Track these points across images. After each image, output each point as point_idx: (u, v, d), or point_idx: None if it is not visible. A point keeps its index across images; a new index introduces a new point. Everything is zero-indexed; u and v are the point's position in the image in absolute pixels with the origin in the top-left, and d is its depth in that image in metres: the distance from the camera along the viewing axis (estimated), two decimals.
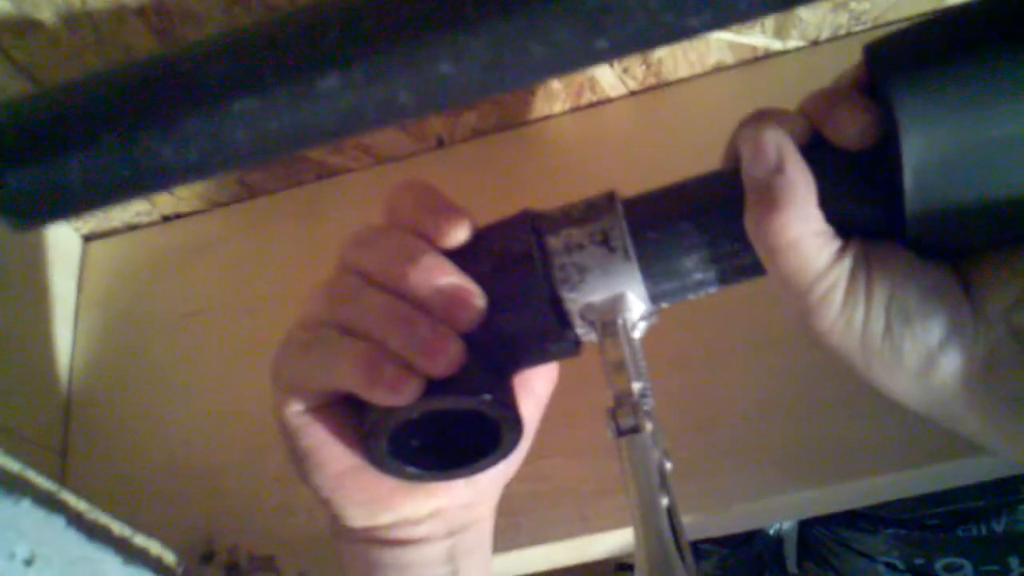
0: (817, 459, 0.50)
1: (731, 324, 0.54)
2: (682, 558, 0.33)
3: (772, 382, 0.52)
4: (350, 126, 0.34)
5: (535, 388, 0.44)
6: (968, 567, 0.75)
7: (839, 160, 0.36)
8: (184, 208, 0.71)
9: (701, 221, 0.38)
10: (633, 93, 0.66)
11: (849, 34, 0.62)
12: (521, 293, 0.39)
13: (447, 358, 0.37)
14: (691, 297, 0.40)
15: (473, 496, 0.45)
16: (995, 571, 0.74)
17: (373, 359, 0.37)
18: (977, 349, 0.34)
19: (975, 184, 0.33)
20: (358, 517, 0.43)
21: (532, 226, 0.40)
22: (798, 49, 0.63)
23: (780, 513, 0.57)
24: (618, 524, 0.51)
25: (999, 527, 0.73)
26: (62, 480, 0.62)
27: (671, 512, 0.34)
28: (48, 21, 0.55)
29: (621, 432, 0.36)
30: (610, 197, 0.40)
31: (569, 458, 0.52)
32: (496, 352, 0.39)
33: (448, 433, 0.41)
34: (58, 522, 0.33)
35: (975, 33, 0.33)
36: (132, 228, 0.72)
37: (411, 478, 0.41)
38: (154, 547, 0.39)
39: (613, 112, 0.66)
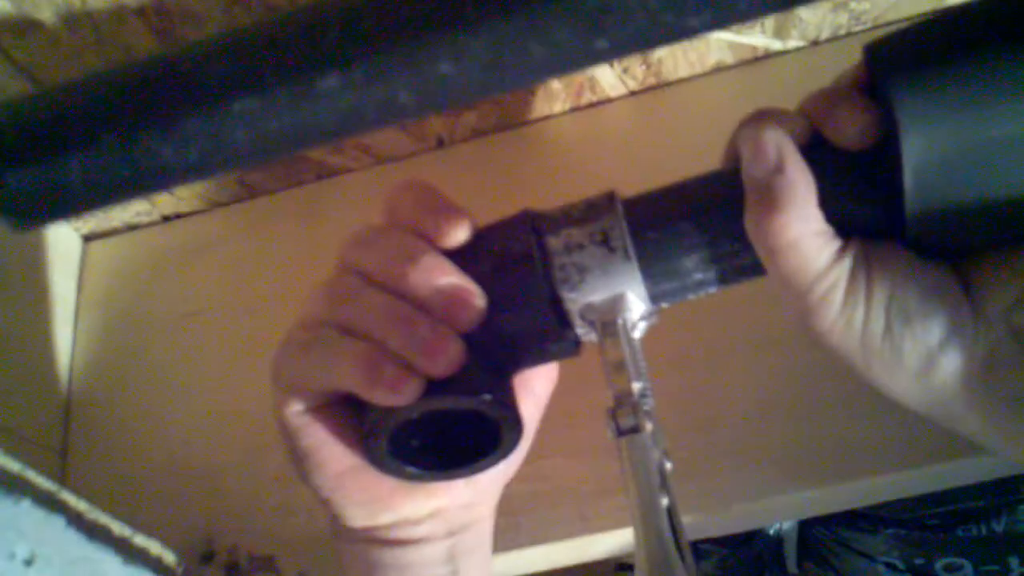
0: (817, 459, 0.50)
1: (731, 324, 0.54)
2: (682, 558, 0.33)
3: (772, 382, 0.52)
4: (350, 126, 0.34)
5: (535, 388, 0.44)
6: (968, 567, 0.75)
7: (839, 160, 0.36)
8: (184, 208, 0.71)
9: (701, 221, 0.38)
10: (633, 93, 0.66)
11: (849, 34, 0.62)
12: (521, 293, 0.39)
13: (447, 358, 0.37)
14: (691, 297, 0.40)
15: (473, 496, 0.45)
16: (995, 571, 0.74)
17: (373, 359, 0.37)
18: (977, 349, 0.34)
19: (975, 184, 0.33)
20: (358, 517, 0.43)
21: (532, 226, 0.40)
22: (798, 49, 0.63)
23: (780, 513, 0.57)
24: (618, 524, 0.51)
25: (999, 527, 0.73)
26: (62, 480, 0.62)
27: (671, 512, 0.34)
28: (48, 21, 0.55)
29: (621, 432, 0.36)
30: (610, 197, 0.40)
31: (569, 458, 0.52)
32: (496, 352, 0.39)
33: (448, 433, 0.41)
34: (58, 522, 0.33)
35: (975, 33, 0.33)
36: (132, 228, 0.72)
37: (411, 478, 0.41)
38: (154, 547, 0.39)
39: (613, 112, 0.66)
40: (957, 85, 0.33)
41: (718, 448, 0.52)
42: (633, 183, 0.61)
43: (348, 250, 0.40)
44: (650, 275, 0.39)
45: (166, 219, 0.72)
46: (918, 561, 0.78)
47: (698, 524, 0.52)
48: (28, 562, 0.31)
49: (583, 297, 0.39)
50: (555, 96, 0.65)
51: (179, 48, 0.35)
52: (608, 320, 0.39)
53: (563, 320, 0.40)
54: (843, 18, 0.61)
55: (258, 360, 0.62)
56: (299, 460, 0.42)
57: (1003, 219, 0.34)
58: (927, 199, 0.34)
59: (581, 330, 0.40)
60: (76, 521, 0.34)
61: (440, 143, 0.68)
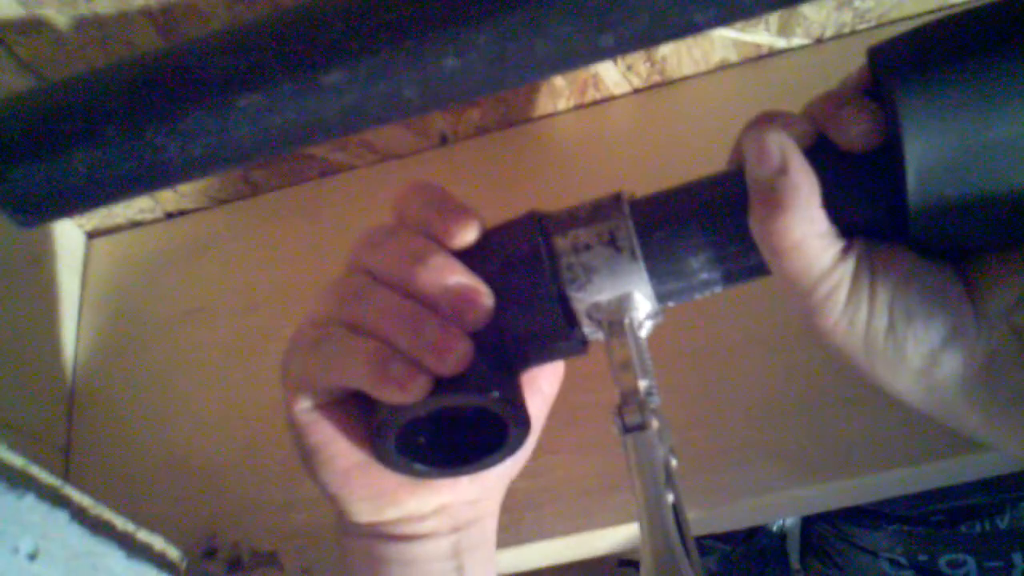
0: (821, 455, 0.50)
1: (737, 322, 0.54)
2: (687, 554, 0.33)
3: (776, 379, 0.52)
4: (354, 121, 0.34)
5: (542, 386, 0.45)
6: (972, 563, 0.75)
7: (843, 162, 0.36)
8: (187, 205, 0.71)
9: (707, 222, 0.39)
10: (637, 91, 0.66)
11: (853, 32, 0.62)
12: (529, 292, 0.39)
13: (456, 356, 0.38)
14: (697, 296, 0.40)
15: (478, 493, 0.45)
16: (999, 567, 0.74)
17: (382, 357, 0.37)
18: (978, 348, 0.35)
19: (977, 186, 0.34)
20: (364, 512, 0.43)
21: (540, 226, 0.40)
22: (802, 47, 0.63)
23: (784, 509, 0.57)
24: (620, 520, 0.51)
25: (1003, 523, 0.73)
26: (65, 476, 0.62)
27: (677, 509, 0.35)
28: (53, 19, 0.55)
29: (627, 429, 0.36)
30: (617, 198, 0.40)
31: (571, 454, 0.53)
32: (504, 350, 0.39)
33: (455, 430, 0.42)
34: (62, 517, 0.34)
35: (978, 36, 0.34)
36: (136, 225, 0.72)
37: (418, 475, 0.41)
38: (157, 543, 0.39)
39: (617, 109, 0.66)
40: (960, 88, 0.33)
41: (722, 444, 0.52)
42: (637, 180, 0.61)
43: (358, 250, 0.41)
44: (656, 275, 0.39)
45: (169, 216, 0.72)
46: (922, 557, 0.78)
47: (702, 520, 0.52)
48: (32, 556, 0.32)
49: (590, 296, 0.39)
50: (559, 93, 0.65)
51: (183, 43, 0.35)
52: (615, 319, 0.39)
53: (570, 319, 0.40)
54: (847, 16, 0.61)
55: (262, 356, 0.63)
56: (307, 456, 0.42)
57: (1004, 221, 0.35)
58: (930, 200, 0.34)
59: (588, 329, 0.40)
60: (80, 516, 0.34)
61: (444, 140, 0.68)
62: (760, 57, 0.64)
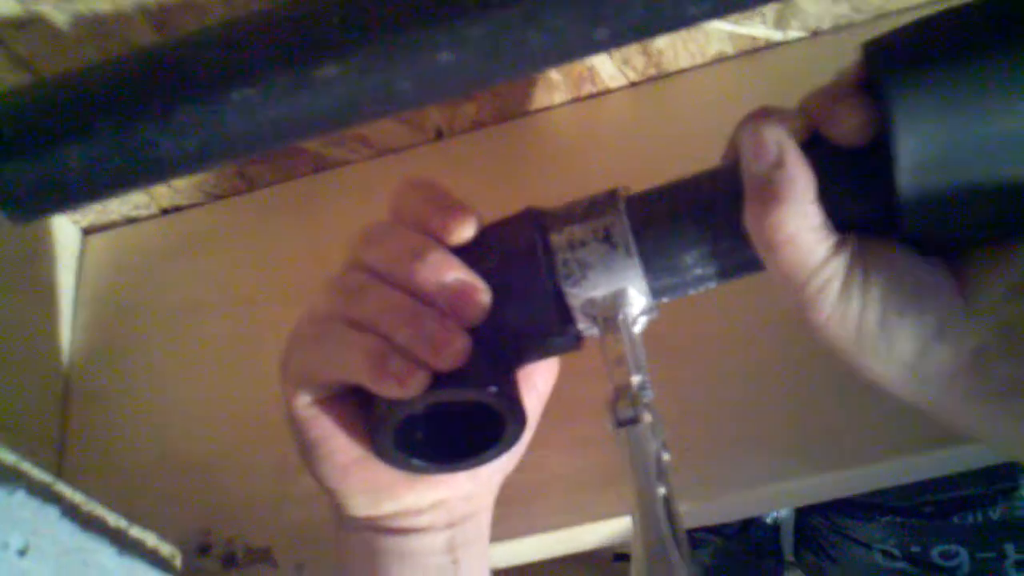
0: (813, 447, 0.50)
1: (729, 313, 0.54)
2: (678, 547, 0.34)
3: (769, 371, 0.52)
4: (348, 115, 0.33)
5: (536, 382, 0.45)
6: (964, 554, 0.76)
7: (836, 157, 0.37)
8: (183, 201, 0.71)
9: (701, 218, 0.39)
10: (633, 84, 0.66)
11: (850, 24, 0.62)
12: (526, 288, 0.40)
13: (453, 352, 0.38)
14: (691, 292, 0.41)
15: (474, 488, 0.46)
16: (991, 558, 0.75)
17: (381, 352, 0.38)
18: (968, 341, 0.35)
19: (967, 181, 0.34)
20: (362, 506, 0.44)
21: (536, 223, 0.41)
22: (799, 39, 0.63)
23: (777, 501, 0.57)
24: (612, 514, 0.51)
25: (995, 514, 0.74)
26: (59, 472, 0.62)
27: (668, 502, 0.35)
28: (50, 15, 0.54)
29: (620, 423, 0.37)
30: (612, 194, 0.41)
31: (564, 448, 0.52)
32: (501, 346, 0.40)
33: (451, 426, 0.42)
34: (52, 513, 0.33)
35: (970, 33, 0.34)
36: (131, 221, 0.72)
37: (416, 470, 0.42)
38: (150, 539, 0.39)
39: (613, 103, 0.66)
40: (951, 84, 0.33)
41: (715, 436, 0.52)
42: (633, 174, 0.61)
43: (356, 246, 0.41)
44: (651, 271, 0.39)
45: (165, 212, 0.71)
46: (914, 548, 0.78)
47: (695, 512, 0.52)
48: (22, 552, 0.31)
49: (585, 292, 0.40)
50: (555, 87, 0.65)
51: (176, 38, 0.35)
52: (609, 315, 0.39)
53: (566, 315, 0.40)
54: (844, 8, 0.61)
55: (257, 352, 0.62)
56: (306, 450, 0.43)
57: (994, 216, 0.35)
58: (921, 195, 0.34)
59: (583, 324, 0.41)
60: (71, 512, 0.34)
61: (439, 135, 0.68)
62: (756, 50, 0.64)
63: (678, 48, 0.63)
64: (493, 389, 0.39)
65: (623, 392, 0.37)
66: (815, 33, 0.63)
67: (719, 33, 0.62)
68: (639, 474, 0.35)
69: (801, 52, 0.63)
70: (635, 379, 0.38)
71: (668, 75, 0.65)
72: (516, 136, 0.66)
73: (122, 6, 0.54)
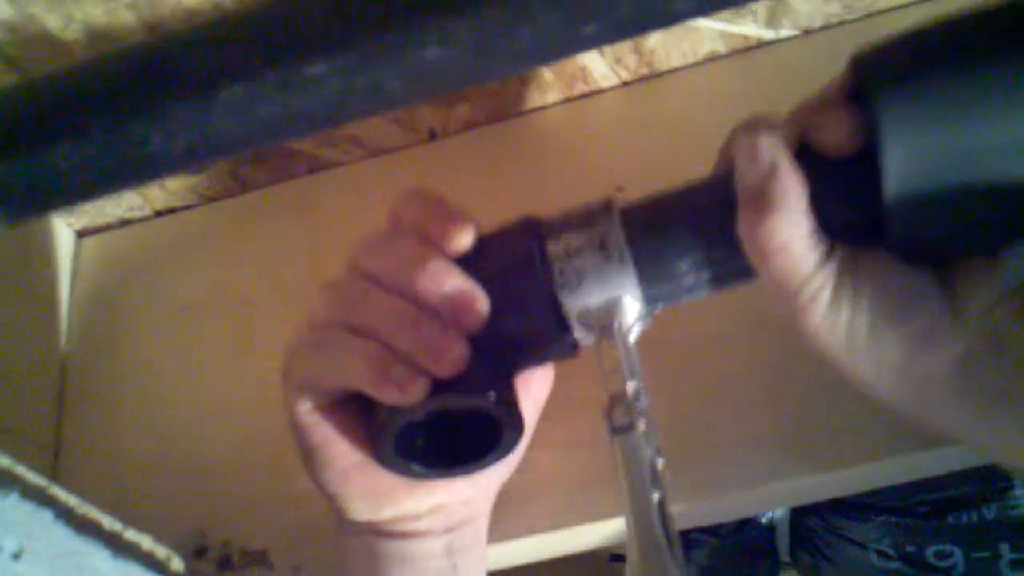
0: (808, 447, 0.50)
1: (722, 314, 0.54)
2: (672, 551, 0.34)
3: (763, 371, 0.53)
4: (338, 113, 0.33)
5: (533, 389, 0.46)
6: (959, 554, 0.76)
7: (825, 166, 0.37)
8: (176, 203, 0.71)
9: (695, 227, 0.40)
10: (626, 83, 0.66)
11: (841, 23, 0.62)
12: (523, 297, 0.41)
13: (453, 359, 0.39)
14: (685, 300, 0.41)
15: (472, 493, 0.46)
16: (986, 558, 0.75)
17: (383, 359, 0.39)
18: (955, 349, 0.36)
19: (954, 191, 0.35)
20: (362, 511, 0.44)
21: (533, 232, 0.41)
22: (790, 38, 0.63)
23: (771, 501, 0.57)
24: (607, 515, 0.51)
25: (990, 514, 0.74)
26: (54, 475, 0.62)
27: (662, 507, 0.36)
28: (42, 17, 0.54)
29: (615, 430, 0.37)
30: (607, 204, 0.41)
31: (559, 449, 0.52)
32: (499, 353, 0.41)
33: (450, 432, 0.43)
34: (47, 516, 0.33)
35: (957, 46, 0.35)
36: (125, 223, 0.72)
37: (416, 475, 0.42)
38: (146, 542, 0.39)
39: (606, 102, 0.66)
40: (938, 95, 0.34)
41: (709, 437, 0.52)
42: (626, 173, 0.61)
43: (357, 254, 0.42)
44: (646, 280, 0.40)
45: (158, 214, 0.71)
46: (909, 548, 0.78)
47: (690, 513, 0.52)
48: (16, 556, 0.31)
49: (581, 300, 0.40)
50: (548, 87, 0.65)
51: (165, 36, 0.35)
52: (605, 323, 0.40)
53: (562, 323, 0.41)
54: (835, 7, 0.61)
55: (252, 354, 0.63)
56: (307, 456, 0.43)
57: (979, 227, 0.36)
58: (908, 204, 0.35)
59: (579, 332, 0.41)
60: (65, 515, 0.34)
61: (432, 135, 0.68)
62: (748, 49, 0.64)
63: (670, 47, 0.63)
64: (492, 396, 0.40)
65: (618, 399, 0.38)
66: (807, 32, 0.63)
67: (711, 32, 0.62)
68: (634, 480, 0.36)
69: (793, 51, 0.63)
70: (630, 386, 0.39)
71: (660, 74, 0.65)
72: (509, 136, 0.67)
73: (114, 7, 0.54)
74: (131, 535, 0.39)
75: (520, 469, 0.49)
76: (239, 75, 0.32)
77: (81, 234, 0.72)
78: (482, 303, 0.40)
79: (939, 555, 0.77)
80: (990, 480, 0.73)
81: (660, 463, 0.37)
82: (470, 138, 0.67)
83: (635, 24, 0.31)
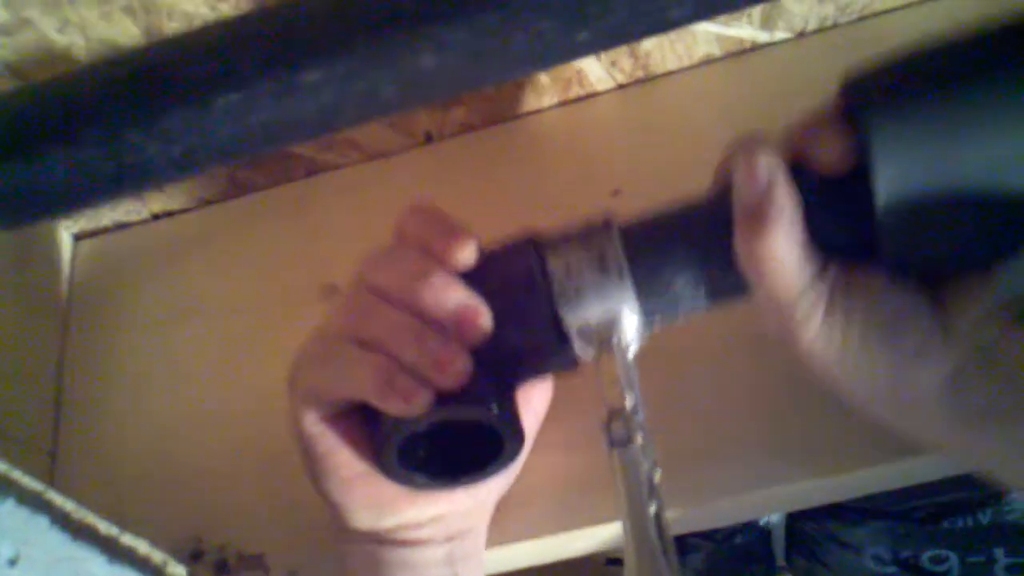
0: (803, 452, 0.50)
1: (718, 321, 0.54)
2: (667, 560, 0.35)
3: (757, 377, 0.53)
4: (333, 120, 0.33)
5: (533, 402, 0.47)
6: (954, 559, 0.76)
7: (819, 185, 0.38)
8: (174, 206, 0.71)
9: (693, 245, 0.41)
10: (621, 86, 0.66)
11: (835, 25, 0.62)
12: (524, 312, 0.41)
13: (457, 371, 0.40)
14: (682, 315, 0.42)
15: (472, 504, 0.47)
16: (981, 562, 0.75)
17: (389, 371, 0.39)
18: (945, 364, 0.36)
19: (944, 209, 0.36)
20: (364, 520, 0.45)
21: (534, 248, 0.42)
22: (785, 41, 0.63)
23: (767, 506, 0.57)
24: (602, 520, 0.51)
25: (985, 519, 0.74)
26: (51, 479, 0.62)
27: (659, 518, 0.37)
28: (38, 21, 0.54)
29: (614, 443, 0.38)
30: (607, 221, 0.42)
31: (554, 454, 0.52)
32: (500, 367, 0.41)
33: (452, 444, 0.43)
34: (43, 522, 0.33)
35: (943, 68, 0.36)
36: (122, 226, 0.72)
37: (418, 486, 0.43)
38: (142, 546, 0.39)
39: (601, 105, 0.66)
40: (926, 117, 0.35)
41: (705, 442, 0.52)
42: (622, 176, 0.61)
43: (363, 269, 0.43)
44: (644, 296, 0.41)
45: (156, 217, 0.71)
46: (905, 553, 0.79)
47: (686, 518, 0.52)
48: (12, 562, 0.31)
49: (581, 316, 0.41)
50: (544, 90, 0.65)
51: (161, 44, 0.35)
52: (604, 338, 0.41)
53: (562, 337, 0.42)
54: (829, 9, 0.61)
55: (249, 357, 0.63)
56: (311, 465, 0.44)
57: (970, 243, 0.37)
58: (899, 223, 0.36)
59: (578, 346, 0.42)
60: (61, 521, 0.34)
61: (429, 138, 0.68)
62: (743, 51, 0.64)
63: (665, 50, 0.63)
64: (494, 408, 0.41)
65: (616, 413, 0.39)
66: (801, 34, 0.63)
67: (706, 35, 0.62)
68: (632, 491, 0.37)
69: (787, 54, 0.63)
70: (628, 400, 0.40)
71: (655, 77, 0.65)
72: (505, 139, 0.67)
73: (110, 11, 0.54)
74: (127, 540, 0.39)
75: (517, 474, 0.49)
76: (235, 82, 0.32)
77: (78, 237, 0.72)
78: (485, 317, 0.41)
79: (934, 560, 0.77)
80: (985, 485, 0.73)
81: (657, 475, 0.38)
82: (466, 141, 0.68)
83: (629, 31, 0.31)
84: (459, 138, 0.68)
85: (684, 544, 0.93)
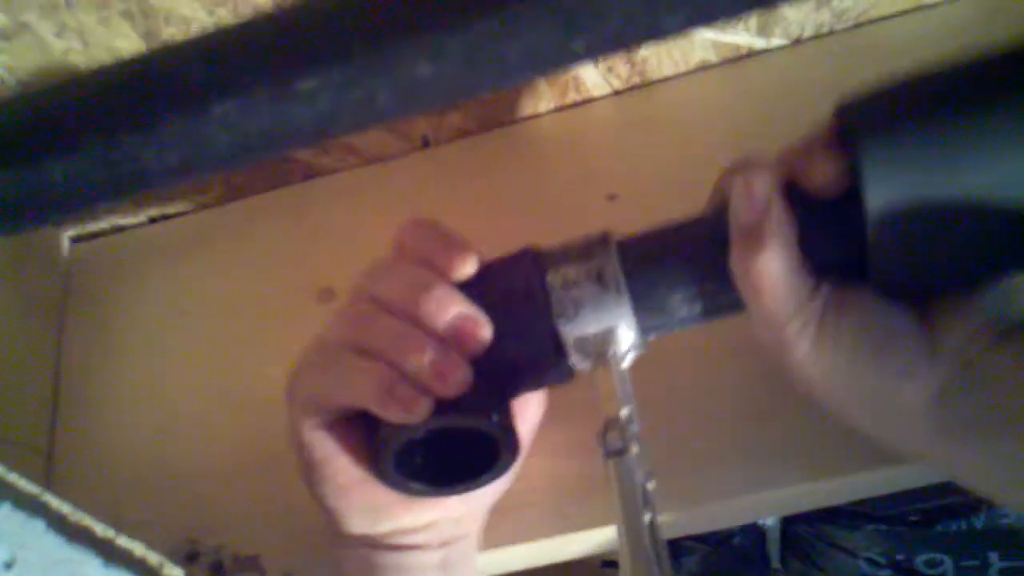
0: (798, 456, 0.51)
1: (712, 326, 0.54)
2: (660, 563, 0.36)
3: (751, 382, 0.53)
4: (329, 128, 0.34)
5: (528, 413, 0.47)
6: (948, 562, 0.76)
7: (812, 207, 0.39)
8: (171, 209, 0.71)
9: (689, 261, 0.42)
10: (617, 92, 0.66)
11: (832, 32, 0.63)
12: (523, 324, 0.42)
13: (456, 381, 0.40)
14: (677, 330, 0.43)
15: (465, 512, 0.48)
16: (975, 566, 0.76)
17: (389, 379, 0.40)
18: (931, 382, 0.37)
19: (933, 232, 0.36)
20: (359, 525, 0.46)
21: (534, 262, 0.43)
22: (781, 47, 0.63)
23: (762, 510, 0.57)
24: (597, 523, 0.52)
25: (979, 523, 0.74)
26: (48, 481, 0.62)
27: (653, 526, 0.37)
28: (35, 26, 0.55)
29: (609, 453, 0.39)
30: (605, 237, 0.43)
31: (548, 457, 0.53)
32: (498, 377, 0.42)
33: (448, 452, 0.44)
34: (39, 525, 0.34)
35: (934, 94, 0.37)
36: (119, 229, 0.72)
37: (414, 492, 0.44)
38: (138, 548, 0.39)
39: (598, 111, 0.66)
40: (916, 142, 0.36)
41: (699, 445, 0.52)
42: (618, 181, 0.61)
43: (364, 279, 0.43)
44: (640, 311, 0.42)
45: (153, 220, 0.72)
46: (899, 557, 0.79)
47: (681, 522, 0.52)
48: (8, 565, 0.32)
49: (578, 329, 0.42)
50: (540, 96, 0.66)
51: (158, 51, 0.35)
52: (600, 351, 0.42)
53: (560, 350, 0.42)
54: (825, 16, 0.61)
55: (245, 361, 0.63)
56: (309, 471, 0.45)
57: (958, 264, 0.38)
58: (889, 244, 0.37)
59: (575, 359, 0.43)
60: (58, 523, 0.34)
61: (426, 143, 0.68)
62: (739, 58, 0.64)
63: (662, 56, 0.63)
64: (493, 418, 0.41)
65: (612, 424, 0.40)
66: (798, 41, 0.63)
67: (703, 41, 0.63)
68: (626, 500, 0.37)
69: (783, 60, 0.63)
70: (623, 412, 0.40)
71: (652, 83, 0.66)
72: (502, 144, 0.67)
73: (108, 16, 0.55)
74: (123, 542, 0.39)
75: (511, 481, 0.49)
76: (232, 90, 0.32)
77: (75, 240, 0.72)
78: (484, 329, 0.41)
79: (929, 563, 0.77)
80: None
81: (651, 484, 0.39)
82: (463, 146, 0.68)
83: (624, 39, 0.31)
84: (456, 143, 0.68)
85: (679, 547, 0.93)
